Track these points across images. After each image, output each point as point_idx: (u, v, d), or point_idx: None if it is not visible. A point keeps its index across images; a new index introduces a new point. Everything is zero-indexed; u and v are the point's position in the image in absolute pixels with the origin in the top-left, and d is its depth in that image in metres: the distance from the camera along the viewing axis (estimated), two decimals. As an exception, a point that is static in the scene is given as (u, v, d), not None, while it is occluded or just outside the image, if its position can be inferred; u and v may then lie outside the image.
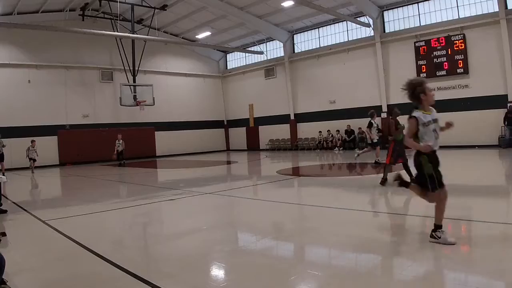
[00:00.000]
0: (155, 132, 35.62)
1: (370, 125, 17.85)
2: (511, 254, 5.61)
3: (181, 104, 37.52)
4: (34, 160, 24.52)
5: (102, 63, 32.85)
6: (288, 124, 36.14)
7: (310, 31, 34.84)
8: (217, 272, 5.61)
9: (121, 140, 27.80)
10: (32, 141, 24.55)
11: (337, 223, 7.87)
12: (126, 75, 31.29)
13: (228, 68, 42.10)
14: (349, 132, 31.46)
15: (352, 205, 9.30)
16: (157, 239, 7.57)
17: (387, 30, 30.40)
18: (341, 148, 31.37)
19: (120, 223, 9.08)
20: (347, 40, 32.64)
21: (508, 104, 24.55)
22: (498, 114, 24.70)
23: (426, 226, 7.66)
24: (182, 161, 29.67)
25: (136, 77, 31.76)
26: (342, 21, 32.14)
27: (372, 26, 30.11)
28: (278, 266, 5.58)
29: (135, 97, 30.81)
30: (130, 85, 31.00)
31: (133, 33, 30.37)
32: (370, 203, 9.87)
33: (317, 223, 7.95)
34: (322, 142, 33.16)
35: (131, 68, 31.53)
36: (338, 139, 31.99)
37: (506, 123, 24.28)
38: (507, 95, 24.83)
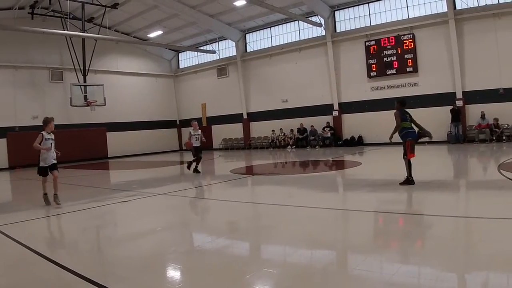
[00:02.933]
0: (107, 132, 35.02)
1: None
2: (462, 246, 5.77)
3: (133, 104, 36.98)
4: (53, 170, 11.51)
5: (52, 62, 32.06)
6: (241, 123, 36.18)
7: (262, 30, 34.97)
8: (173, 274, 5.56)
9: (199, 131, 18.28)
10: (48, 122, 11.38)
11: (291, 220, 7.92)
12: (77, 75, 30.65)
13: (180, 67, 41.82)
14: (302, 130, 31.72)
15: (306, 203, 9.38)
16: (111, 242, 7.46)
17: (338, 30, 30.83)
18: (294, 146, 31.59)
19: (73, 227, 8.89)
20: (299, 39, 32.92)
21: (455, 101, 25.39)
22: (446, 111, 25.44)
23: (378, 221, 7.83)
24: (134, 162, 29.34)
25: (86, 77, 31.09)
26: (294, 21, 32.39)
27: (323, 25, 30.45)
28: (234, 265, 5.59)
29: (85, 97, 30.25)
30: (80, 85, 30.41)
31: (84, 32, 29.75)
32: (323, 200, 9.97)
33: (271, 221, 7.98)
34: (275, 141, 33.30)
35: (82, 68, 30.90)
36: (290, 138, 32.21)
37: (451, 119, 25.17)
38: (455, 92, 25.60)
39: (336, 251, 6.11)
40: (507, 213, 7.35)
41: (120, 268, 5.79)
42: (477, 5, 25.15)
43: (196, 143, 17.91)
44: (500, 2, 24.84)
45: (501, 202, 8.49)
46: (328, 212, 8.57)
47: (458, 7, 25.72)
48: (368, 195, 10.23)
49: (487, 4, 25.09)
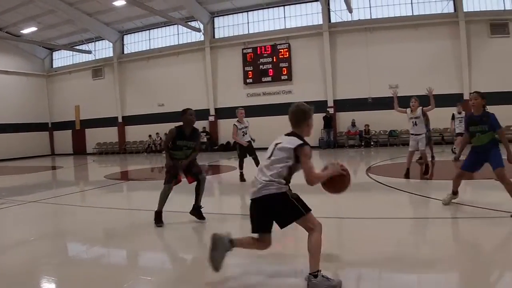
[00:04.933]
0: (-30, 134, 32.96)
1: None
2: (335, 246, 6.04)
3: (1, 104, 34.97)
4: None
5: None
6: (116, 127, 35.48)
7: (140, 32, 34.65)
8: (47, 286, 5.41)
9: (247, 122, 14.29)
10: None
11: (168, 226, 7.90)
12: None
13: (54, 67, 40.03)
14: (178, 135, 31.68)
15: (181, 208, 9.40)
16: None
17: (217, 36, 31.31)
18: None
19: None
20: (177, 43, 32.94)
21: (327, 109, 26.78)
22: (319, 118, 26.66)
23: (243, 227, 8.01)
24: (2, 167, 27.85)
25: (-50, 74, 29.14)
26: (173, 25, 32.38)
27: (202, 31, 30.72)
28: (111, 274, 5.52)
29: None
30: None
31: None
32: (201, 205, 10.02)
33: (148, 227, 7.92)
34: (151, 145, 33.01)
35: None
36: (167, 142, 32.12)
37: (323, 126, 26.61)
38: (327, 100, 26.93)
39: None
40: (376, 213, 7.88)
41: (-11, 282, 5.54)
42: (350, 19, 26.74)
43: (246, 138, 13.92)
44: (372, 17, 26.72)
45: (370, 203, 9.06)
46: (206, 216, 8.63)
47: (333, 20, 27.37)
48: (244, 198, 10.45)
49: (360, 18, 26.92)
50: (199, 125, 30.78)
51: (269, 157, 4.75)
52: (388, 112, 24.26)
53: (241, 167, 13.84)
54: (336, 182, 4.89)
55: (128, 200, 12.63)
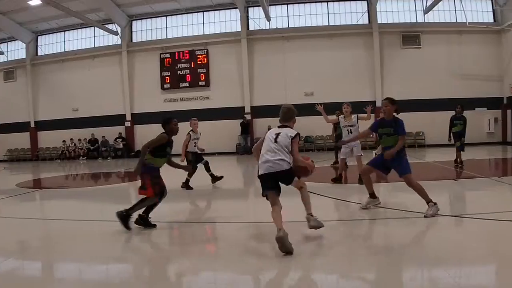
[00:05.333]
0: None
1: None
2: (259, 250, 6.07)
3: None
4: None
5: None
6: (28, 133, 34.15)
7: (55, 33, 33.55)
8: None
9: (199, 134, 13.61)
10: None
11: (84, 236, 7.67)
12: None
13: (-37, 68, 38.07)
14: (93, 141, 31.06)
15: (99, 217, 9.19)
16: None
17: (134, 40, 30.93)
18: (85, 157, 30.74)
19: None
20: (93, 46, 32.21)
21: (245, 115, 27.12)
22: (236, 124, 27.00)
23: (174, 229, 7.93)
24: None
25: None
26: (90, 27, 31.63)
27: (119, 34, 30.23)
28: None
29: None
30: None
31: None
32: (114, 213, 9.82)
33: (63, 237, 7.67)
34: (65, 152, 32.05)
35: None
36: (80, 148, 31.34)
37: (241, 132, 27.02)
38: (244, 107, 27.21)
39: (133, 265, 6.12)
40: (290, 216, 7.92)
41: None
42: (268, 27, 27.31)
43: (195, 149, 13.27)
44: (289, 26, 27.41)
45: (284, 206, 9.14)
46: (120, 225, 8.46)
47: (251, 27, 27.82)
48: (161, 205, 10.33)
49: (278, 27, 27.52)
50: (115, 130, 30.34)
51: (275, 141, 6.20)
52: (304, 118, 24.72)
53: (190, 175, 12.82)
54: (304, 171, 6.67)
55: (42, 210, 12.18)
